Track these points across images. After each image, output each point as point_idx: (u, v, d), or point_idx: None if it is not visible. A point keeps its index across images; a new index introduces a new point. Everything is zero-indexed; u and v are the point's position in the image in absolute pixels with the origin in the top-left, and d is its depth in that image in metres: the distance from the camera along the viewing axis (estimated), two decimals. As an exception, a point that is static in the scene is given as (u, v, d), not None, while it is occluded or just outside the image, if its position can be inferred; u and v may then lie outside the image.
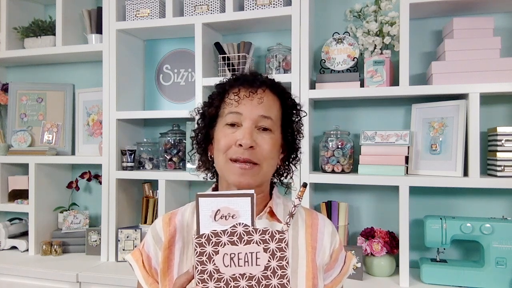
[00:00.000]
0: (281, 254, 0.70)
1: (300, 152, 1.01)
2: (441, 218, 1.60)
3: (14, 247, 2.15)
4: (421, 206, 1.80)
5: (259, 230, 0.70)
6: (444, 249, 1.67)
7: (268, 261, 0.70)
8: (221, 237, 0.69)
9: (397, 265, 1.68)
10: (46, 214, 2.16)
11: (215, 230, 0.69)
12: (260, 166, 0.88)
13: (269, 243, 0.70)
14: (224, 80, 0.96)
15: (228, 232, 0.70)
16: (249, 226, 0.70)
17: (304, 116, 1.00)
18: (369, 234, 1.75)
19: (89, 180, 2.23)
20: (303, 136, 1.00)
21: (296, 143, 0.98)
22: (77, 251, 2.11)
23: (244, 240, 0.70)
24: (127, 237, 1.96)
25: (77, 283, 1.80)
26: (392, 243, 1.71)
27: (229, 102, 0.90)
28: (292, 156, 0.99)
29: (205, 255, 0.69)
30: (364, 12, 1.84)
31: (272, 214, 0.94)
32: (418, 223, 1.79)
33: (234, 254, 0.69)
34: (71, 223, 2.14)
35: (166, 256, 0.92)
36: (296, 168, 1.02)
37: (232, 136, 0.88)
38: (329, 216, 1.80)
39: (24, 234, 2.19)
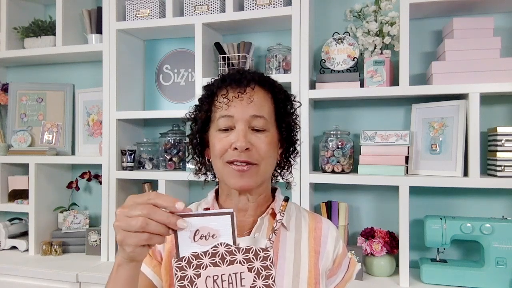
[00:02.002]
0: (267, 272, 0.67)
1: (299, 144, 0.99)
2: (441, 218, 1.60)
3: (14, 247, 2.15)
4: (421, 206, 1.80)
5: (242, 249, 0.67)
6: (444, 249, 1.67)
7: (254, 281, 0.67)
8: (202, 259, 0.66)
9: (397, 265, 1.68)
10: (46, 214, 2.16)
11: (196, 252, 0.66)
12: (258, 167, 0.86)
13: (253, 262, 0.67)
14: (212, 81, 0.94)
15: (209, 253, 0.66)
16: (231, 246, 0.67)
17: (299, 106, 0.98)
18: (369, 234, 1.75)
19: (89, 180, 2.22)
20: (299, 128, 0.98)
21: (293, 136, 0.96)
22: (77, 251, 2.11)
23: (227, 261, 0.67)
24: (127, 237, 1.95)
25: (77, 283, 1.80)
26: (392, 243, 1.71)
27: (219, 106, 0.88)
28: (291, 149, 0.98)
29: (187, 279, 0.66)
30: (364, 12, 1.84)
31: (274, 216, 0.93)
32: (418, 223, 1.79)
33: (217, 276, 0.66)
34: (71, 223, 2.14)
35: (169, 251, 0.91)
36: (295, 161, 1.01)
37: (226, 140, 0.86)
38: (329, 216, 1.80)
39: (24, 234, 2.19)
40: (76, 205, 2.28)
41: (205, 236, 0.67)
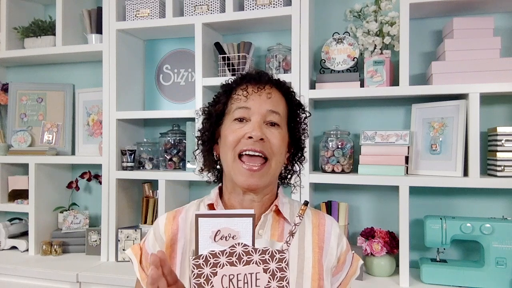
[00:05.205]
0: (282, 274, 0.68)
1: (305, 151, 1.01)
2: (441, 218, 1.60)
3: (14, 247, 2.15)
4: (421, 206, 1.79)
5: (259, 250, 0.68)
6: (444, 249, 1.67)
7: (268, 281, 0.68)
8: (219, 258, 0.67)
9: (397, 265, 1.68)
10: (46, 214, 2.16)
11: (213, 251, 0.67)
12: (269, 163, 0.88)
13: (269, 263, 0.68)
14: (230, 81, 0.97)
15: (227, 253, 0.67)
16: (248, 246, 0.68)
17: (309, 116, 1.01)
18: (369, 234, 1.75)
19: (89, 180, 2.22)
20: (308, 136, 1.00)
21: (301, 142, 0.98)
22: (77, 251, 2.11)
23: (244, 261, 0.68)
24: (127, 237, 1.96)
25: (77, 283, 1.80)
26: (392, 243, 1.71)
27: (237, 98, 0.91)
28: (298, 155, 0.99)
29: (203, 277, 0.67)
30: (364, 12, 1.84)
31: (278, 212, 0.94)
32: (418, 223, 1.79)
33: (233, 275, 0.67)
34: (71, 223, 2.14)
35: (168, 255, 0.91)
36: (303, 166, 1.02)
37: (240, 131, 0.88)
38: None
39: (24, 234, 2.19)
40: (76, 205, 2.28)
41: (226, 237, 0.69)
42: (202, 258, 0.67)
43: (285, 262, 0.69)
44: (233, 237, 0.69)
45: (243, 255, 0.68)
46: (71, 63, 2.34)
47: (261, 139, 0.86)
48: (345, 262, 0.97)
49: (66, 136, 2.26)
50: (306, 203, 0.76)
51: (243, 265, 0.68)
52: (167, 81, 2.18)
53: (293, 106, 0.96)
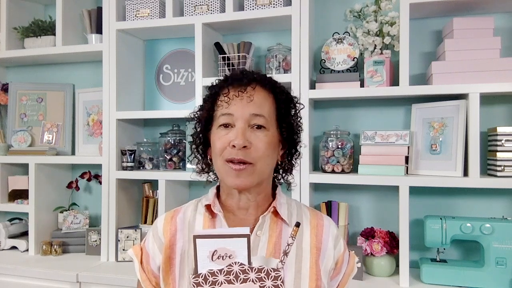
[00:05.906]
0: None
1: (301, 146, 0.99)
2: (441, 218, 1.60)
3: (14, 247, 2.15)
4: (421, 206, 1.80)
5: (255, 269, 0.71)
6: (444, 249, 1.68)
7: None
8: (217, 276, 0.70)
9: (397, 265, 1.68)
10: (46, 214, 2.16)
11: (212, 270, 0.70)
12: (255, 165, 0.87)
13: (265, 281, 0.71)
14: (215, 82, 0.96)
15: (224, 271, 0.70)
16: (244, 265, 0.71)
17: (302, 108, 0.99)
18: (369, 234, 1.75)
19: (89, 180, 2.22)
20: (302, 130, 0.99)
21: (294, 137, 0.97)
22: (77, 251, 2.11)
23: (241, 279, 0.71)
24: (127, 237, 1.96)
25: (77, 283, 1.80)
26: (392, 243, 1.71)
27: (220, 104, 0.90)
28: (293, 151, 0.98)
29: None
30: (364, 12, 1.85)
31: (276, 213, 0.94)
32: (418, 223, 1.79)
33: None
34: (71, 223, 2.14)
35: (168, 256, 0.92)
36: (296, 163, 1.01)
37: (225, 138, 0.88)
38: (329, 216, 1.80)
39: (24, 234, 2.19)
40: (76, 205, 2.28)
41: (222, 256, 0.72)
42: (202, 277, 0.70)
43: (280, 280, 0.72)
44: (229, 256, 0.72)
45: (240, 274, 0.71)
46: (71, 63, 2.34)
47: (244, 146, 0.85)
48: (343, 262, 0.97)
49: (66, 136, 2.27)
50: (297, 225, 0.78)
51: (240, 283, 0.71)
52: (167, 81, 2.18)
53: (281, 102, 0.93)
